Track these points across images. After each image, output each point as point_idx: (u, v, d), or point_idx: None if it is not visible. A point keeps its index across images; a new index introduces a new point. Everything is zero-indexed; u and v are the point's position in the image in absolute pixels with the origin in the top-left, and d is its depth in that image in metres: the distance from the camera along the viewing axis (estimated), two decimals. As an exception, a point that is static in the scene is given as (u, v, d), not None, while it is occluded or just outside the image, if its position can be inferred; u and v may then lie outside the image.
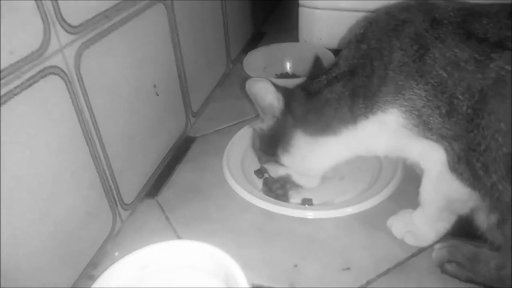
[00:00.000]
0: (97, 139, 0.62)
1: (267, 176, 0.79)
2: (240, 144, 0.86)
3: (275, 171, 0.76)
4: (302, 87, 0.69)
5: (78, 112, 0.58)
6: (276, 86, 0.67)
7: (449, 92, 0.52)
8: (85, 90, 0.59)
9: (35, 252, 0.53)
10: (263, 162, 0.77)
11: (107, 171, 0.65)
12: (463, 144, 0.52)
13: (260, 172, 0.80)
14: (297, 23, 1.20)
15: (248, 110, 0.96)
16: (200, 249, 0.53)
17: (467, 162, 0.52)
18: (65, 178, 0.57)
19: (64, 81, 0.55)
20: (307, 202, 0.74)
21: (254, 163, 0.82)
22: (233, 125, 0.95)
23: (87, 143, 0.60)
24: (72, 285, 0.59)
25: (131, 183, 0.73)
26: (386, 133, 0.58)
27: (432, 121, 0.53)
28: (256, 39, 1.37)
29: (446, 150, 0.54)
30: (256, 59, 1.10)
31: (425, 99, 0.53)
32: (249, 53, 1.13)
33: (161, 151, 0.84)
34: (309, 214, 0.71)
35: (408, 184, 0.72)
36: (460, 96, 0.51)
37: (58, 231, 0.56)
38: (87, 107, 0.60)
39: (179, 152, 0.88)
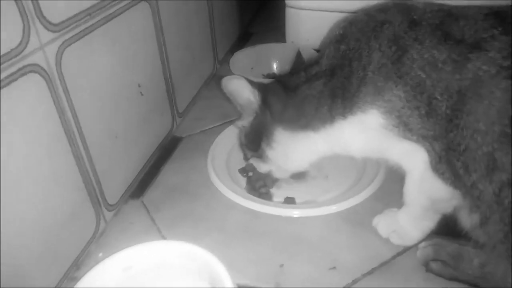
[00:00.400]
0: (80, 139, 0.61)
1: (251, 174, 0.78)
2: (225, 144, 0.85)
3: (259, 167, 0.76)
4: (279, 81, 0.69)
5: (60, 111, 0.57)
6: (251, 82, 0.67)
7: (427, 93, 0.52)
8: (67, 89, 0.58)
9: (17, 253, 0.52)
10: (247, 158, 0.77)
11: (90, 172, 0.65)
12: (444, 144, 0.52)
13: (244, 171, 0.80)
14: (284, 24, 1.20)
15: (235, 111, 0.96)
16: (184, 250, 0.52)
17: (448, 162, 0.52)
18: (47, 179, 0.56)
19: (45, 80, 0.54)
20: (289, 201, 0.74)
21: (239, 162, 0.81)
22: (220, 125, 0.94)
23: (69, 143, 0.59)
24: (55, 286, 0.58)
25: (115, 184, 0.73)
26: (364, 133, 0.59)
27: (411, 122, 0.54)
28: (243, 39, 1.37)
29: (427, 150, 0.55)
30: (243, 59, 1.10)
31: (404, 100, 0.53)
32: (235, 54, 1.12)
33: (146, 152, 0.83)
34: (295, 212, 0.71)
35: (393, 183, 0.72)
36: (438, 97, 0.51)
37: (40, 232, 0.55)
38: (69, 106, 0.59)
39: (165, 153, 0.88)
